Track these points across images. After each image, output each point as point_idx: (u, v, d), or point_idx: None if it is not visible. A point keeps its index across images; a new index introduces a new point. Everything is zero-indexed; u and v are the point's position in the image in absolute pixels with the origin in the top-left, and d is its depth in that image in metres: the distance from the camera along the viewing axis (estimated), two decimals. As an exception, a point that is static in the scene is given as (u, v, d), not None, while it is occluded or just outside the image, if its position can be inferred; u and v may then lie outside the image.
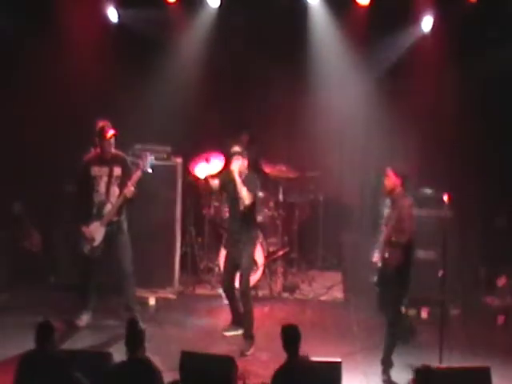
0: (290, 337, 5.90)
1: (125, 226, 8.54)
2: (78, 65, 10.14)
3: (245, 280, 8.17)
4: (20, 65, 10.08)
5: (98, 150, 8.43)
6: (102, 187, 8.39)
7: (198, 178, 9.87)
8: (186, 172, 9.96)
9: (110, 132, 8.31)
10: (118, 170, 8.43)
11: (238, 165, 8.13)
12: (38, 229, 10.00)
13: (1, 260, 9.47)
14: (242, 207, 8.12)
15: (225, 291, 8.47)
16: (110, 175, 8.40)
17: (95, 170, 8.41)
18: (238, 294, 8.36)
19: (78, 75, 10.11)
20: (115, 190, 8.41)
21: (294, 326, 6.00)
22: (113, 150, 8.42)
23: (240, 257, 8.19)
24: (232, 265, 8.31)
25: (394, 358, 7.66)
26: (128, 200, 8.39)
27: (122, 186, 8.39)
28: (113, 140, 8.37)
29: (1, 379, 6.94)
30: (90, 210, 8.40)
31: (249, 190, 8.08)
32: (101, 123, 8.36)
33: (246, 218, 8.19)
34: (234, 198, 8.18)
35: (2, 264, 9.46)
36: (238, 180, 8.07)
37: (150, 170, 8.38)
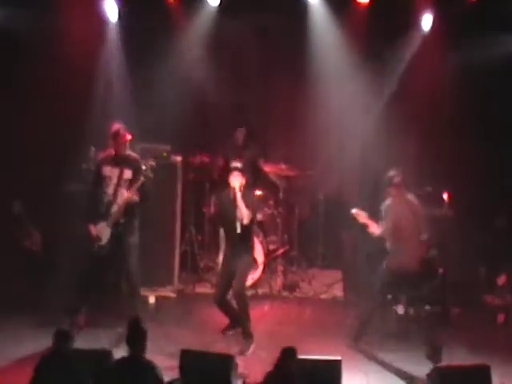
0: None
1: (134, 228, 8.47)
2: (77, 65, 10.13)
3: (240, 281, 8.11)
4: (20, 65, 10.07)
5: (112, 150, 8.42)
6: (111, 188, 8.37)
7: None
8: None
9: (127, 136, 8.33)
10: (128, 173, 8.37)
11: (238, 181, 8.07)
12: (38, 229, 10.00)
13: (1, 260, 9.46)
14: (239, 230, 8.03)
15: (218, 306, 8.28)
16: (120, 177, 8.36)
17: (106, 170, 8.39)
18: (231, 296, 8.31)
19: (77, 75, 10.09)
20: (123, 192, 8.38)
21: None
22: (127, 152, 8.42)
23: (236, 270, 8.09)
24: (227, 279, 8.17)
25: (395, 357, 7.72)
26: (132, 204, 8.38)
27: (130, 188, 8.39)
28: (128, 143, 8.38)
29: (1, 379, 6.96)
30: (99, 209, 8.40)
31: (248, 208, 8.00)
32: (116, 126, 8.35)
33: (242, 239, 8.11)
34: (233, 218, 8.05)
35: (2, 264, 9.45)
36: (239, 197, 7.99)
37: (151, 175, 8.37)
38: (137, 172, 8.35)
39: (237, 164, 8.22)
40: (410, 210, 8.11)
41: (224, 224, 8.31)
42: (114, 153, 8.39)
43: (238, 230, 8.05)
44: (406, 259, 8.00)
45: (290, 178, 10.37)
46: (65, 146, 9.93)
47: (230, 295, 8.32)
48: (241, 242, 8.13)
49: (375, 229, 8.08)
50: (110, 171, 8.38)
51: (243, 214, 7.98)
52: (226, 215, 8.16)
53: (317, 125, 10.55)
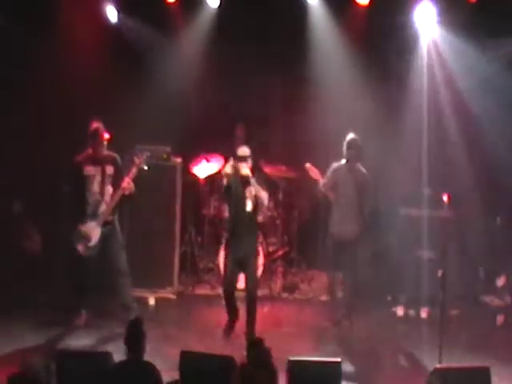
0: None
1: (118, 225, 8.56)
2: (77, 65, 10.14)
3: (254, 283, 8.08)
4: (19, 65, 10.06)
5: (90, 150, 8.45)
6: (96, 187, 8.41)
7: (198, 178, 9.93)
8: (186, 171, 9.99)
9: (105, 135, 8.36)
10: (110, 169, 8.45)
11: (248, 168, 8.04)
12: (38, 229, 10.00)
13: (1, 260, 9.46)
14: (249, 208, 8.00)
15: (227, 293, 8.23)
16: (103, 174, 8.42)
17: (88, 170, 8.42)
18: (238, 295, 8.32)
19: (77, 75, 10.10)
20: (109, 189, 8.43)
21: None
22: (105, 151, 8.45)
23: (245, 259, 8.08)
24: (236, 266, 8.13)
25: (394, 358, 7.72)
26: (125, 197, 8.41)
27: (115, 184, 8.41)
28: (106, 143, 8.41)
29: (1, 380, 6.95)
30: (84, 210, 8.41)
31: (264, 189, 8.06)
32: (95, 124, 8.38)
33: (251, 219, 8.10)
34: (241, 199, 8.04)
35: (2, 264, 9.45)
36: (255, 183, 7.97)
37: (145, 167, 8.40)
38: (117, 167, 8.42)
39: (245, 151, 8.14)
40: (353, 178, 8.70)
41: (231, 201, 8.21)
42: (91, 152, 8.42)
43: (249, 209, 8.00)
44: (342, 226, 8.70)
45: (290, 180, 10.36)
46: (64, 146, 9.93)
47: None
48: (249, 221, 8.07)
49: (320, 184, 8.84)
50: (91, 170, 8.42)
51: (263, 196, 7.98)
52: (235, 194, 8.07)
53: (317, 126, 10.55)
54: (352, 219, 8.71)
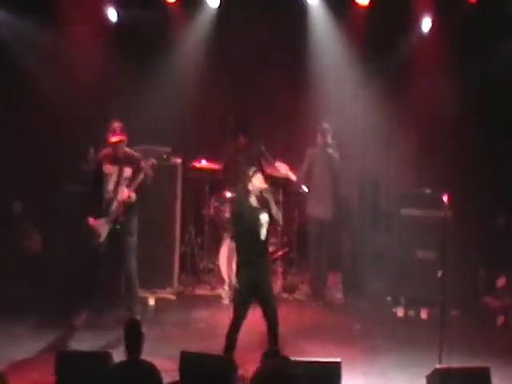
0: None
1: (134, 227, 8.51)
2: (77, 66, 10.14)
3: (273, 298, 7.53)
4: (20, 65, 10.06)
5: (111, 149, 8.45)
6: (111, 186, 8.41)
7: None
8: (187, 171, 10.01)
9: (113, 138, 8.34)
10: (128, 171, 8.41)
11: (262, 182, 7.23)
12: (38, 229, 10.01)
13: (1, 260, 9.46)
14: (263, 237, 7.18)
15: (239, 325, 7.35)
16: (120, 175, 8.40)
17: (107, 168, 8.43)
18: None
19: (77, 76, 10.11)
20: (123, 190, 8.41)
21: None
22: (123, 151, 8.42)
23: (259, 285, 7.32)
24: (249, 295, 7.33)
25: (394, 359, 7.72)
26: (131, 203, 8.40)
27: (130, 186, 8.41)
28: (119, 144, 8.37)
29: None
30: (100, 206, 8.41)
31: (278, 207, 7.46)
32: (113, 124, 8.37)
33: (264, 248, 7.31)
34: (254, 227, 7.16)
35: (2, 264, 9.45)
36: (273, 203, 7.22)
37: (151, 174, 8.40)
38: (137, 170, 8.38)
39: (253, 168, 7.41)
40: (327, 163, 9.46)
41: (244, 234, 7.21)
42: (112, 152, 8.42)
43: (263, 237, 7.18)
44: (317, 207, 9.53)
45: (290, 180, 10.35)
46: (64, 147, 9.94)
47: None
48: (263, 251, 7.28)
49: (294, 176, 9.59)
50: (109, 169, 8.42)
51: (278, 219, 7.30)
52: (248, 223, 7.18)
53: (317, 126, 10.55)
54: (326, 200, 9.50)
